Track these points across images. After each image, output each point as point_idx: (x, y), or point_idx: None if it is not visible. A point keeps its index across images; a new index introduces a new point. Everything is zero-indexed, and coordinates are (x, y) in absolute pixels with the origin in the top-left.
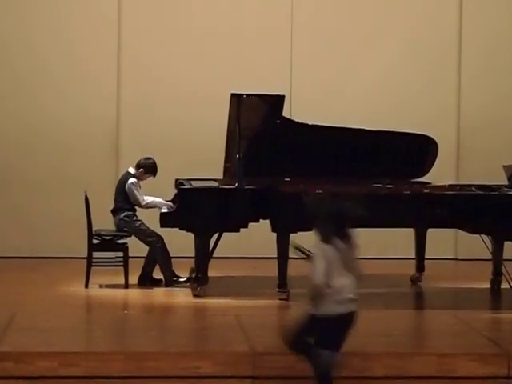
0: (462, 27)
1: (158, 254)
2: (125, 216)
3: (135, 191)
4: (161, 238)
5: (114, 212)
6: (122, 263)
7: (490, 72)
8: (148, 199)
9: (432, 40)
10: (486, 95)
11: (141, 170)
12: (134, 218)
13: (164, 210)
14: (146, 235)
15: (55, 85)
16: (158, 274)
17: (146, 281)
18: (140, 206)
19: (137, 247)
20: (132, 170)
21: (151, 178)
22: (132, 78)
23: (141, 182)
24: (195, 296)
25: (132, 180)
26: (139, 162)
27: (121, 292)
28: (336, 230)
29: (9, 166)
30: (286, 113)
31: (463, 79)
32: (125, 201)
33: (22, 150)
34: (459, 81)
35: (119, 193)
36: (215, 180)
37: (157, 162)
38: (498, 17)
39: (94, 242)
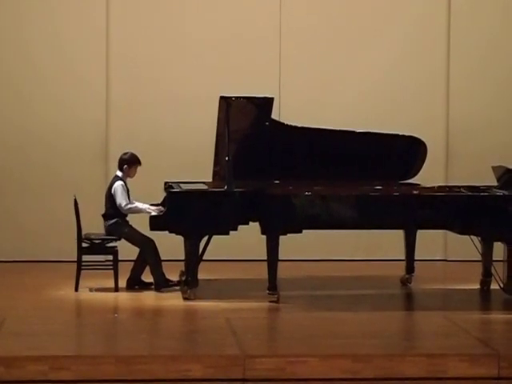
0: (451, 32)
1: (149, 256)
2: (113, 223)
3: (119, 194)
4: (152, 241)
5: (105, 217)
6: (111, 267)
7: (479, 77)
8: (132, 204)
9: (421, 45)
10: (474, 99)
11: (125, 166)
12: (123, 224)
13: (154, 213)
14: (135, 239)
15: (45, 88)
16: (147, 278)
17: (135, 284)
18: (121, 209)
19: (126, 250)
20: (119, 173)
21: (139, 167)
22: (121, 81)
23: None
24: (185, 299)
25: (118, 183)
26: (119, 161)
27: (111, 295)
28: None
29: None
30: (274, 115)
31: (452, 84)
32: (114, 207)
33: (12, 152)
34: (448, 85)
35: (108, 199)
36: (204, 183)
37: (146, 165)
38: (487, 23)
39: (84, 245)
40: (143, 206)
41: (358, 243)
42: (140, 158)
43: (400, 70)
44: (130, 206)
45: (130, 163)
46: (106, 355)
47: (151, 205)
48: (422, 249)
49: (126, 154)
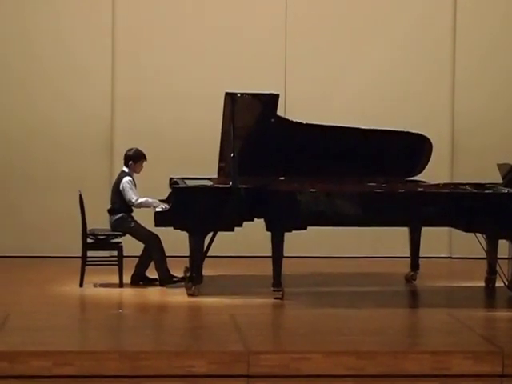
0: (457, 28)
1: (154, 251)
2: (119, 218)
3: (129, 190)
4: (157, 237)
5: (110, 212)
6: (116, 262)
7: (484, 72)
8: (142, 199)
9: (426, 40)
10: (479, 95)
11: (130, 162)
12: (129, 220)
13: (158, 209)
14: (140, 234)
15: (50, 83)
16: (152, 274)
17: (139, 280)
18: (132, 204)
19: (131, 246)
20: (125, 169)
21: (145, 162)
22: (126, 76)
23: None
24: (189, 295)
25: (126, 178)
26: (125, 157)
27: (115, 291)
28: None
29: (1, 164)
30: (280, 112)
31: (457, 79)
32: (120, 202)
33: (16, 148)
34: (453, 81)
35: (114, 194)
36: (210, 179)
37: (151, 160)
38: (492, 18)
39: (89, 241)
40: (153, 200)
41: (362, 240)
42: (145, 153)
43: (405, 67)
44: (140, 200)
45: (135, 159)
46: (110, 351)
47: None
48: (426, 246)
49: (130, 150)
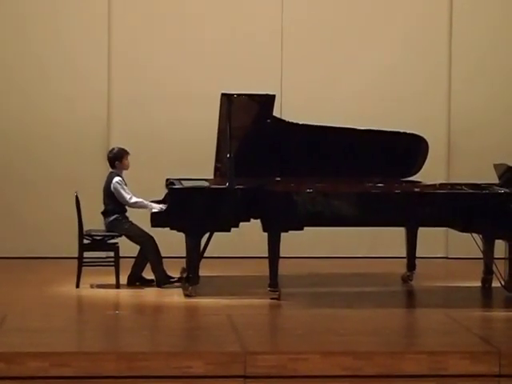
0: (453, 29)
1: (150, 253)
2: (114, 219)
3: (121, 190)
4: (152, 238)
5: (104, 214)
6: (113, 263)
7: (481, 73)
8: (138, 199)
9: (423, 42)
10: (476, 96)
11: (116, 162)
12: (124, 221)
13: (155, 209)
14: (136, 235)
15: (46, 83)
16: (148, 274)
17: (135, 280)
18: (127, 203)
19: (128, 247)
20: (113, 170)
21: (129, 157)
22: (123, 77)
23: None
24: (186, 296)
25: (116, 179)
26: (109, 160)
27: (112, 292)
28: None
29: None
30: (276, 112)
31: (454, 80)
32: (113, 203)
33: (13, 148)
34: (450, 82)
35: (107, 195)
36: (206, 180)
37: (148, 161)
38: (488, 19)
39: (85, 242)
40: (148, 203)
41: (359, 240)
42: (126, 149)
43: (402, 67)
44: (135, 199)
45: (119, 158)
46: (107, 351)
47: (152, 201)
48: (423, 246)
49: (111, 151)
